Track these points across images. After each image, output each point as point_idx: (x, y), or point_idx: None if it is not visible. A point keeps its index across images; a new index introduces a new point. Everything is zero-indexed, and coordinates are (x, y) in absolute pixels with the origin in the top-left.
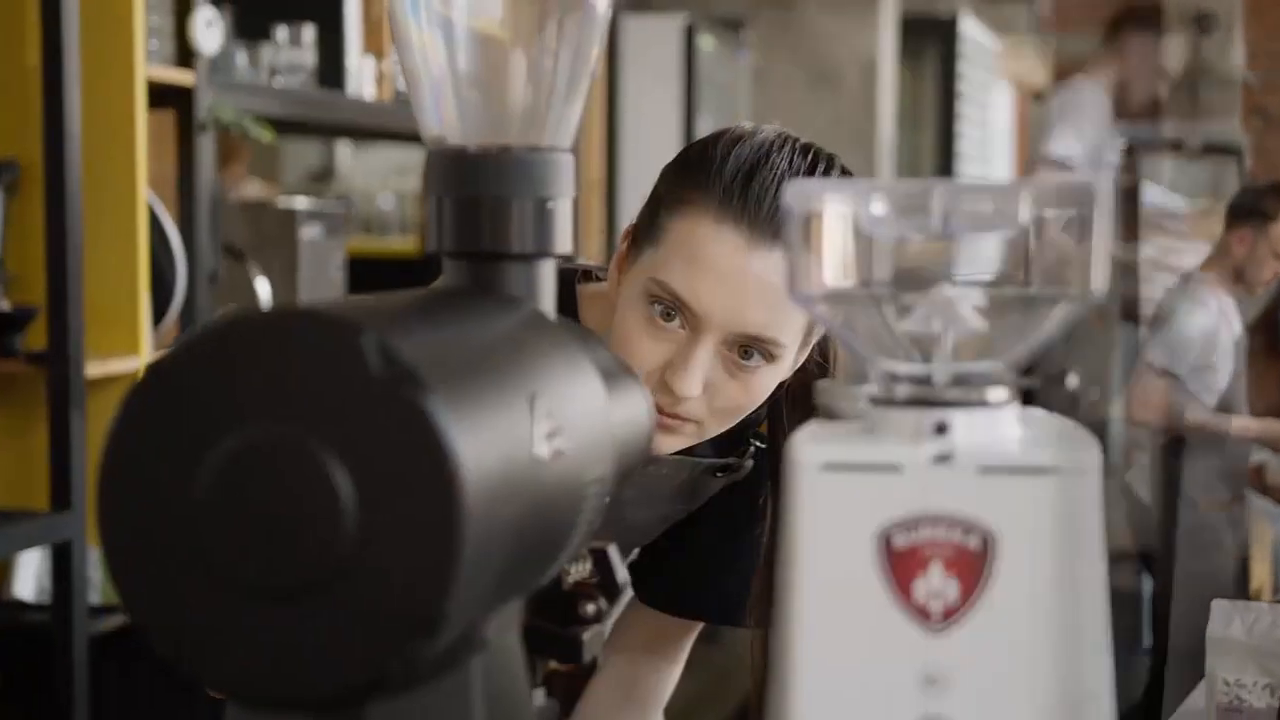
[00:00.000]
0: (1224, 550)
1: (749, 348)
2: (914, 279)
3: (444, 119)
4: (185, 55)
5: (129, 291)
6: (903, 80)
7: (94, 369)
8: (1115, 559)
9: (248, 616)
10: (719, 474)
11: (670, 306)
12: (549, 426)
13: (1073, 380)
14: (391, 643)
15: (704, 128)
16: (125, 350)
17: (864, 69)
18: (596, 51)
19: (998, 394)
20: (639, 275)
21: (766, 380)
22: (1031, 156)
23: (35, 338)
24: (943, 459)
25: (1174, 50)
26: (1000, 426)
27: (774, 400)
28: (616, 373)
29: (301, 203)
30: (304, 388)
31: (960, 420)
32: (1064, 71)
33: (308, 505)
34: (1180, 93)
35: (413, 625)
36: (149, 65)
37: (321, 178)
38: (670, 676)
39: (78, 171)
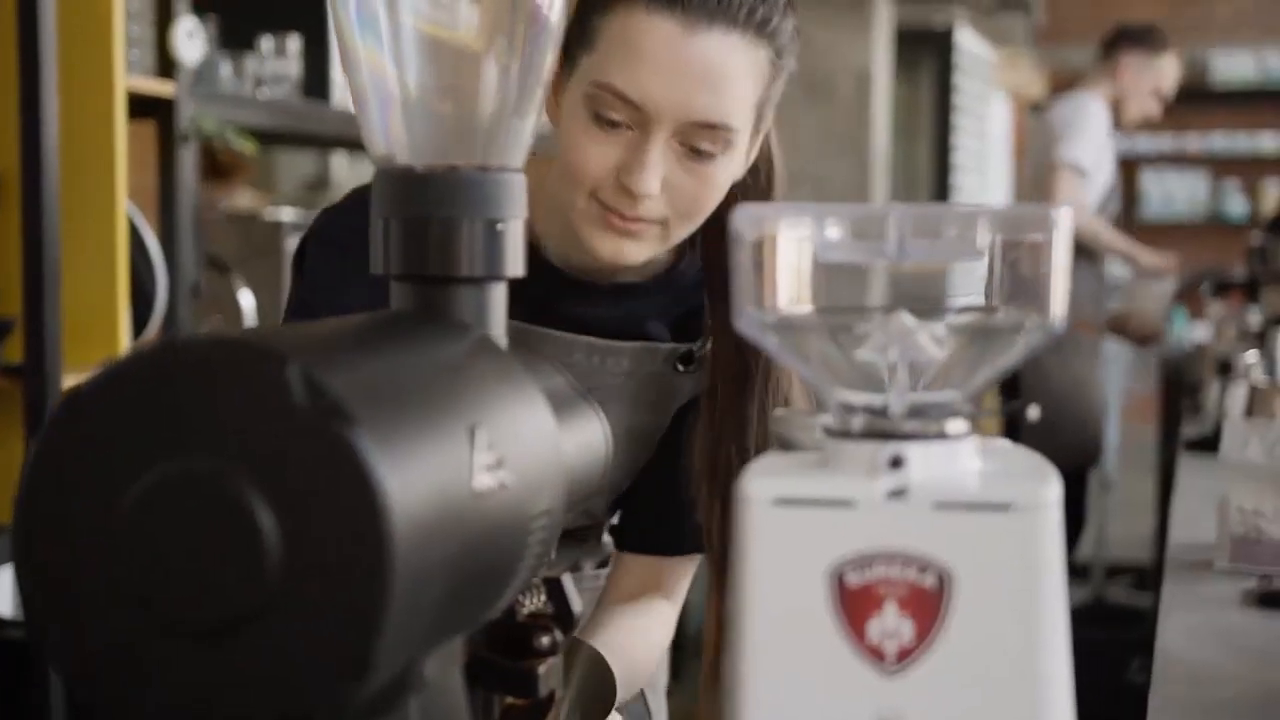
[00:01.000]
0: (1091, 373)
1: (699, 141)
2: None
3: (391, 138)
4: (167, 66)
5: (108, 304)
6: (898, 91)
7: (72, 381)
8: None
9: (168, 655)
10: (681, 366)
11: (614, 108)
12: (491, 458)
13: (1034, 412)
14: (317, 685)
15: None
16: (104, 363)
17: (858, 80)
18: (549, 66)
19: (956, 426)
20: (577, 87)
21: (722, 171)
22: (1035, 161)
23: (12, 350)
24: (897, 494)
25: (1173, 67)
26: (958, 460)
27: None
28: (570, 399)
29: (288, 214)
30: (228, 419)
31: (916, 454)
32: (1060, 83)
33: (230, 541)
34: None
35: (339, 667)
36: (130, 76)
37: (316, 187)
38: (671, 617)
39: (55, 182)
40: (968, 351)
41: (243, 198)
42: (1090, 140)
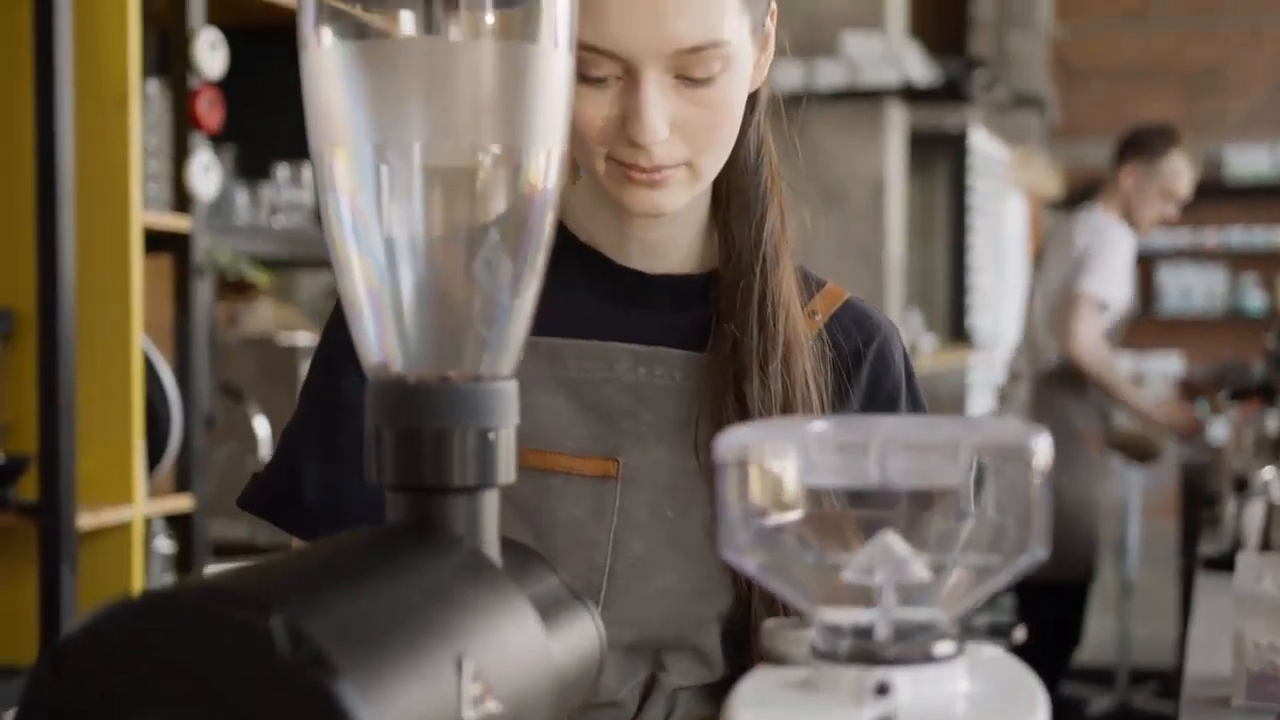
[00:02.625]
0: (1095, 490)
1: (693, 69)
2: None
3: (385, 347)
4: (183, 200)
5: (123, 441)
6: (912, 193)
7: (87, 520)
8: None
9: None
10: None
11: (595, 65)
12: (478, 688)
13: (1020, 634)
14: None
15: None
16: (119, 500)
17: (872, 188)
18: (537, 277)
19: (944, 648)
20: None
21: (731, 90)
22: (1051, 276)
23: (27, 488)
24: None
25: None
26: (946, 683)
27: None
28: (561, 600)
29: (304, 339)
30: (211, 671)
31: (903, 679)
32: (1075, 179)
33: None
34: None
35: None
36: (147, 211)
37: (334, 295)
38: None
39: (72, 320)
40: (955, 572)
41: (263, 310)
42: (1113, 271)
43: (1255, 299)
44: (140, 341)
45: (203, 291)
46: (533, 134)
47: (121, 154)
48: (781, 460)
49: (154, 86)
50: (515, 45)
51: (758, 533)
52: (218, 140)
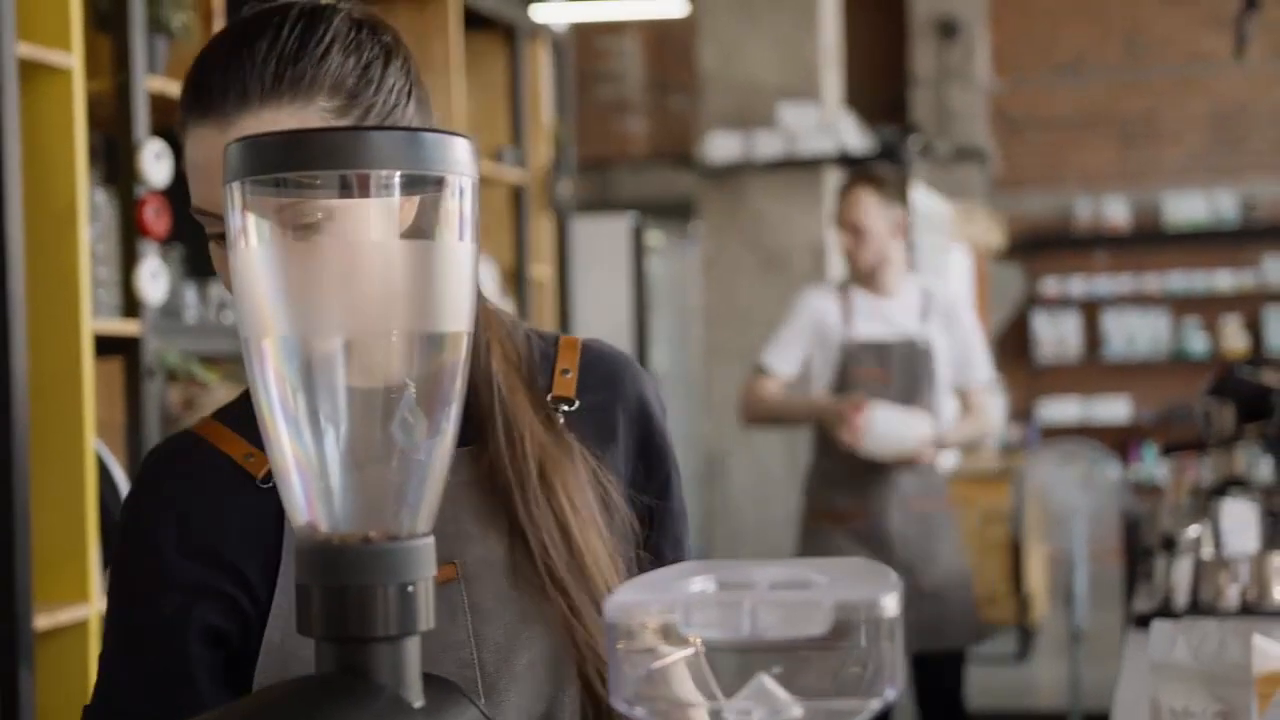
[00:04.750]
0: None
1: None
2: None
3: (312, 510)
4: (132, 304)
5: (77, 541)
6: None
7: (43, 621)
8: None
9: None
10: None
11: (209, 224)
12: None
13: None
14: None
15: (656, 319)
16: (74, 599)
17: (813, 253)
18: (449, 443)
19: None
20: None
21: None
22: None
23: None
24: None
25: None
26: None
27: None
28: None
29: None
30: None
31: None
32: (1017, 229)
33: None
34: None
35: None
36: (97, 318)
37: None
38: None
39: (25, 426)
40: (819, 712)
41: (220, 394)
42: (783, 340)
43: (1198, 342)
44: (92, 444)
45: (153, 392)
46: (443, 318)
47: (71, 263)
48: (662, 617)
49: (101, 196)
50: (423, 243)
51: (645, 680)
52: (165, 242)
